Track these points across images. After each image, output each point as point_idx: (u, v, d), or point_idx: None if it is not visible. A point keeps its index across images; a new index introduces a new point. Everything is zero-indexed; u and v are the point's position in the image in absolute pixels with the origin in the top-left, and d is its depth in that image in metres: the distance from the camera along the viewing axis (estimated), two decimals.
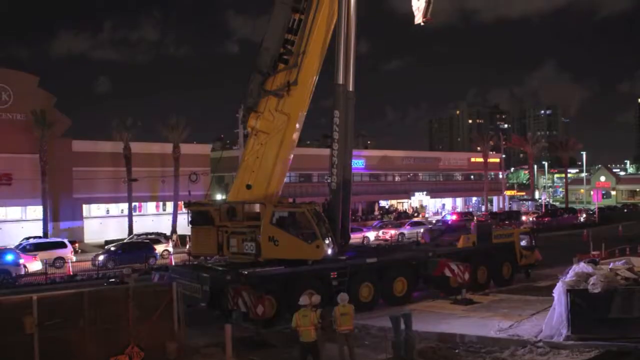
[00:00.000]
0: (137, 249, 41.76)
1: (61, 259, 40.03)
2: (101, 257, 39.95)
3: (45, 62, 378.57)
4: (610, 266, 17.11)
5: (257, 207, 22.83)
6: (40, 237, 47.93)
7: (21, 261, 35.64)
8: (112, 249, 42.04)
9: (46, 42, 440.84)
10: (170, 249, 45.19)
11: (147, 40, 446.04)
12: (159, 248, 43.90)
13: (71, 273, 36.01)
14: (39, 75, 57.54)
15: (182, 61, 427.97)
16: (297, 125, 23.93)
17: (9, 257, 35.47)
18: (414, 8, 23.69)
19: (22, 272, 35.13)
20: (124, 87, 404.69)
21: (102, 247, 48.21)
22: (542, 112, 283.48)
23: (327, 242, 22.21)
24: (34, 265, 36.36)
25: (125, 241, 46.23)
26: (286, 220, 21.99)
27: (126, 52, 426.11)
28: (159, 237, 48.27)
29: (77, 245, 47.85)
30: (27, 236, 48.79)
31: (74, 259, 39.65)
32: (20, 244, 43.31)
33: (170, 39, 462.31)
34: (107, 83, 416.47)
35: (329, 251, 22.29)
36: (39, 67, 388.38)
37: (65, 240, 43.96)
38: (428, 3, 23.17)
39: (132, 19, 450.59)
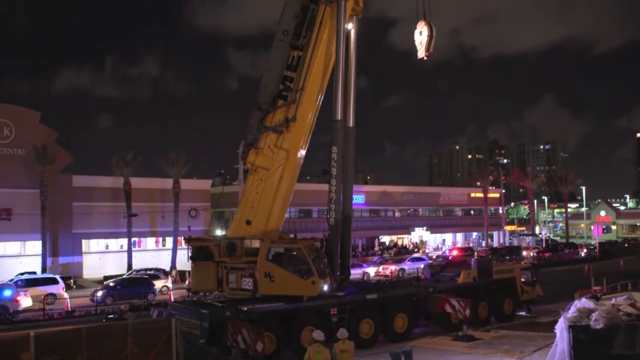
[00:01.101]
0: (136, 284, 41.46)
1: (52, 295, 39.36)
2: (100, 293, 39.67)
3: (47, 97, 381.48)
4: (612, 302, 16.99)
5: (256, 243, 22.78)
6: (33, 273, 47.55)
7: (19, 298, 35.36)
8: (111, 284, 41.77)
9: (48, 78, 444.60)
10: (169, 284, 44.92)
11: (148, 76, 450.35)
12: (158, 284, 43.65)
13: (69, 309, 35.72)
14: (41, 111, 57.99)
15: (183, 97, 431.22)
16: (297, 161, 23.98)
17: (7, 293, 35.22)
18: (417, 43, 24.02)
19: (20, 308, 34.83)
20: (125, 123, 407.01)
21: (101, 282, 47.92)
22: (542, 147, 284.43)
23: (323, 278, 22.06)
24: (25, 301, 35.83)
25: (124, 277, 45.96)
26: (282, 256, 21.94)
27: (127, 87, 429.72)
28: (158, 273, 47.98)
29: (71, 281, 47.43)
30: (22, 272, 48.49)
31: (66, 295, 39.22)
32: (12, 280, 42.93)
33: (170, 75, 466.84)
34: (108, 118, 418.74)
35: (325, 288, 22.14)
36: (41, 103, 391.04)
37: (57, 277, 43.56)
38: (430, 38, 23.52)
39: (133, 55, 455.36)
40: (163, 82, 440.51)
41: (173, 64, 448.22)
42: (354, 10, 25.14)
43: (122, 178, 56.77)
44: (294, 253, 21.93)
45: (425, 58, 23.98)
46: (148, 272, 48.62)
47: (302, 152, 24.24)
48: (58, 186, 54.52)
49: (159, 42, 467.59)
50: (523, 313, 29.19)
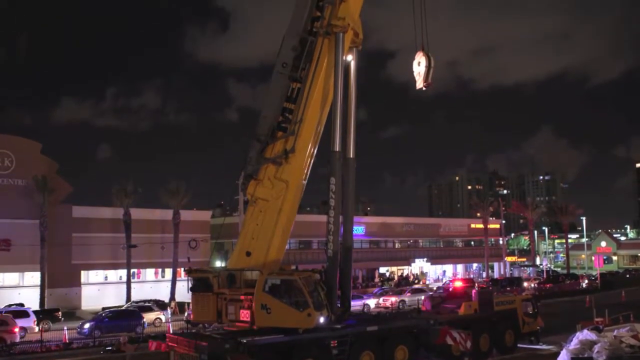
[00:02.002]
0: (124, 317, 40.84)
1: (23, 329, 38.03)
2: (87, 325, 39.04)
3: (48, 128, 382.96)
4: (614, 333, 16.90)
5: (255, 275, 22.68)
6: (21, 305, 46.86)
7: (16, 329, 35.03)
8: (102, 315, 41.29)
9: (49, 108, 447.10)
10: (163, 317, 44.45)
11: (149, 107, 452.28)
12: (152, 316, 43.23)
13: (67, 341, 35.41)
14: (41, 142, 58.28)
15: (183, 128, 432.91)
16: (297, 193, 23.93)
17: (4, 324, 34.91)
18: (415, 74, 24.19)
19: (17, 340, 34.49)
20: (125, 153, 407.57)
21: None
22: (541, 177, 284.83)
23: (320, 310, 21.87)
24: None
25: (112, 309, 45.24)
26: (278, 288, 21.79)
27: (127, 118, 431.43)
28: (152, 305, 47.41)
29: (59, 313, 46.62)
30: (9, 304, 48.07)
31: (37, 329, 38.40)
32: None
33: (171, 106, 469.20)
34: (108, 149, 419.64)
35: (322, 320, 21.93)
36: (41, 133, 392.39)
37: (29, 310, 42.39)
38: (428, 68, 23.72)
39: (133, 87, 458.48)
40: (164, 113, 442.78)
41: (174, 95, 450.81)
42: (354, 42, 25.30)
43: (122, 209, 56.81)
44: (290, 285, 21.81)
45: (423, 88, 24.15)
46: (141, 304, 48.17)
47: (302, 184, 24.23)
48: (58, 217, 54.52)
49: (159, 74, 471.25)
50: (524, 345, 28.94)
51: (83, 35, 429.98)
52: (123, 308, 46.70)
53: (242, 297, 22.23)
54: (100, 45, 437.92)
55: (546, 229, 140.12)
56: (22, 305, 47.40)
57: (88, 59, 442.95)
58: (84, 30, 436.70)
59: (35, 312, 43.14)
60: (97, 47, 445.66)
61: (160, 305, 49.04)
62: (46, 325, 40.72)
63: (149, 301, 50.22)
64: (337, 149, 23.94)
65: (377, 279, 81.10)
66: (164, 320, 43.67)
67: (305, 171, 24.34)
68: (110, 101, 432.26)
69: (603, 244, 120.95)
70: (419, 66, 23.98)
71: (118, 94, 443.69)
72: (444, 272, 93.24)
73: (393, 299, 54.22)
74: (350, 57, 25.45)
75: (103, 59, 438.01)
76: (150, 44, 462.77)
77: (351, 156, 25.13)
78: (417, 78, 24.11)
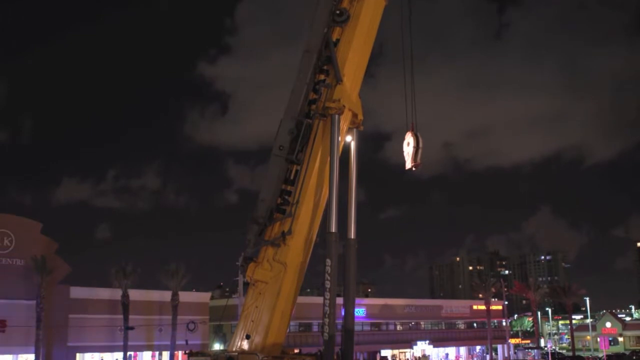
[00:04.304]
0: None
1: None
2: None
3: (48, 208, 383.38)
4: None
5: (253, 359, 22.23)
6: None
7: None
8: None
9: (50, 189, 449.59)
10: None
11: (148, 188, 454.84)
12: None
13: None
14: (41, 221, 58.23)
15: (183, 209, 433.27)
16: (296, 275, 23.63)
17: None
18: (405, 154, 24.41)
19: None
20: (124, 234, 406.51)
21: None
22: (542, 257, 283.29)
23: None
24: None
25: None
26: None
27: (127, 199, 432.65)
28: None
29: None
30: None
31: None
32: None
33: (170, 187, 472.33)
34: (107, 229, 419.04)
35: None
36: (41, 213, 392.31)
37: None
38: (416, 148, 23.94)
39: (133, 168, 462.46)
40: (163, 194, 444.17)
41: (173, 177, 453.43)
42: (353, 123, 25.40)
43: (119, 290, 56.18)
44: None
45: (413, 169, 24.29)
46: None
47: (302, 266, 24.00)
48: (55, 298, 53.88)
49: (159, 155, 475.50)
50: None
51: (83, 117, 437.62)
52: None
53: None
54: (100, 127, 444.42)
55: (550, 310, 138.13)
56: None
57: (88, 140, 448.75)
58: (84, 112, 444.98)
59: None
60: (97, 129, 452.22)
61: None
62: None
63: None
64: (333, 230, 23.76)
65: None
66: None
67: (306, 253, 24.12)
68: (110, 182, 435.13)
69: (608, 324, 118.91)
70: (408, 147, 24.24)
71: (118, 175, 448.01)
72: (447, 354, 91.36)
73: None
74: (350, 138, 25.66)
75: (103, 141, 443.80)
76: (150, 126, 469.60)
77: (352, 237, 25.00)
78: (407, 158, 24.32)
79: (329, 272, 23.49)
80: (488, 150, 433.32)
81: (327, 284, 23.53)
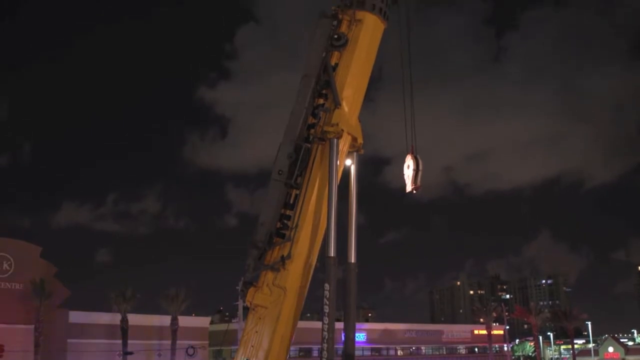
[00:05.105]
0: None
1: None
2: None
3: (47, 232, 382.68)
4: None
5: None
6: None
7: None
8: None
9: (49, 212, 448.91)
10: None
11: (148, 212, 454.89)
12: None
13: None
14: (40, 244, 58.15)
15: (183, 232, 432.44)
16: (296, 300, 23.42)
17: None
18: (405, 177, 24.43)
19: None
20: (124, 257, 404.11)
21: None
22: (543, 281, 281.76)
23: None
24: None
25: None
26: None
27: (127, 223, 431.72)
28: None
29: None
30: None
31: None
32: None
33: (170, 211, 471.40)
34: (107, 253, 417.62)
35: None
36: (40, 236, 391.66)
37: None
38: (416, 171, 23.93)
39: (133, 192, 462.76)
40: (163, 217, 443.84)
41: (173, 200, 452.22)
42: (353, 147, 25.42)
43: (119, 314, 55.92)
44: None
45: (413, 192, 24.27)
46: None
47: (302, 290, 23.86)
48: (54, 322, 53.61)
49: (159, 179, 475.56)
50: None
51: (83, 141, 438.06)
52: None
53: None
54: (100, 151, 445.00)
55: (551, 335, 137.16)
56: None
57: (88, 163, 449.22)
58: (84, 136, 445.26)
59: None
60: (97, 153, 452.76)
61: None
62: None
63: None
64: (332, 254, 23.67)
65: None
66: None
67: (306, 277, 24.00)
68: (110, 205, 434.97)
69: (610, 349, 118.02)
70: (408, 169, 24.30)
71: (118, 198, 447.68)
72: None
73: None
74: (349, 162, 25.67)
75: (103, 164, 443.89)
76: (150, 150, 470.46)
77: (352, 261, 24.87)
78: (406, 181, 24.35)
79: (328, 296, 23.31)
80: (488, 174, 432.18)
81: (326, 309, 23.33)
